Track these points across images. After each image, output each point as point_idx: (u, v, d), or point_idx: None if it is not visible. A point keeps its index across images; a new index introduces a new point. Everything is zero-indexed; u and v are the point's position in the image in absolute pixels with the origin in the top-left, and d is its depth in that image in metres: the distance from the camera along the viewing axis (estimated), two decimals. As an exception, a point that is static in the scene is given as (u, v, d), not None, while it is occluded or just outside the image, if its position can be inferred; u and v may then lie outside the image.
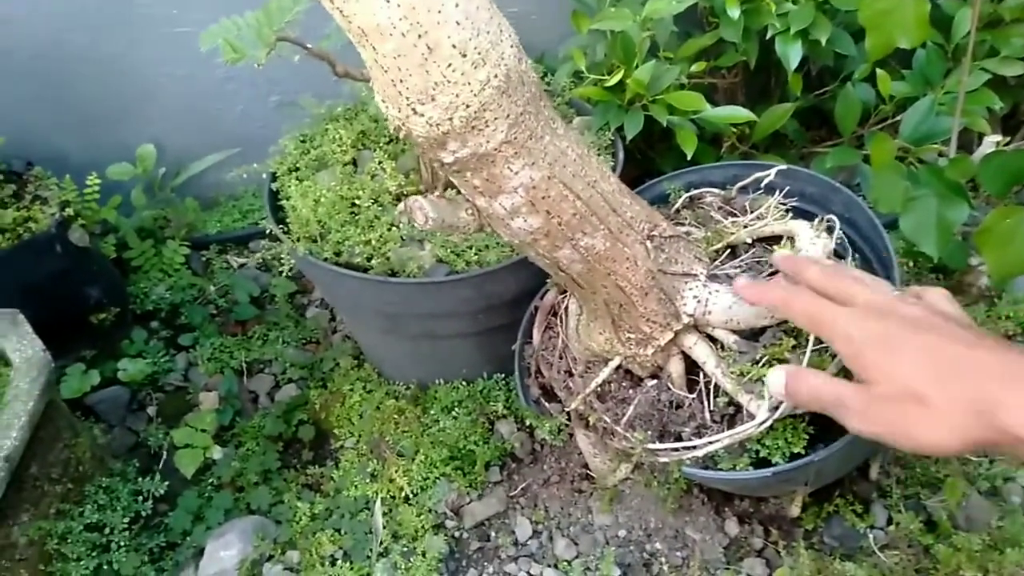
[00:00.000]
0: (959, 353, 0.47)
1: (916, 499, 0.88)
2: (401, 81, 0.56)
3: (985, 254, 0.78)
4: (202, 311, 1.29)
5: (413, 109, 0.57)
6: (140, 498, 1.00)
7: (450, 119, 0.57)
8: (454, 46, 0.54)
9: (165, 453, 1.10)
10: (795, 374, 0.58)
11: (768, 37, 1.00)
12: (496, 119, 0.58)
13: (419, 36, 0.53)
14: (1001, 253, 0.77)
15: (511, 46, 0.58)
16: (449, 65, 0.55)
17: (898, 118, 1.10)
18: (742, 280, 0.67)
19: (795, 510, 0.88)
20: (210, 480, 1.05)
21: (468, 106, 0.57)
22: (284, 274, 0.91)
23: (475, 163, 0.61)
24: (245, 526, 0.97)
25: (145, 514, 0.99)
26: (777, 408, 0.68)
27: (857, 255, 0.81)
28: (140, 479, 1.02)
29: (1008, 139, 1.02)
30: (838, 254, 0.78)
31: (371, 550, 0.93)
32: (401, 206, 1.00)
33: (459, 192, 0.71)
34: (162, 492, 1.01)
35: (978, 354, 0.47)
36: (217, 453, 1.05)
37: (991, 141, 0.89)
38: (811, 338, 0.68)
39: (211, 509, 1.01)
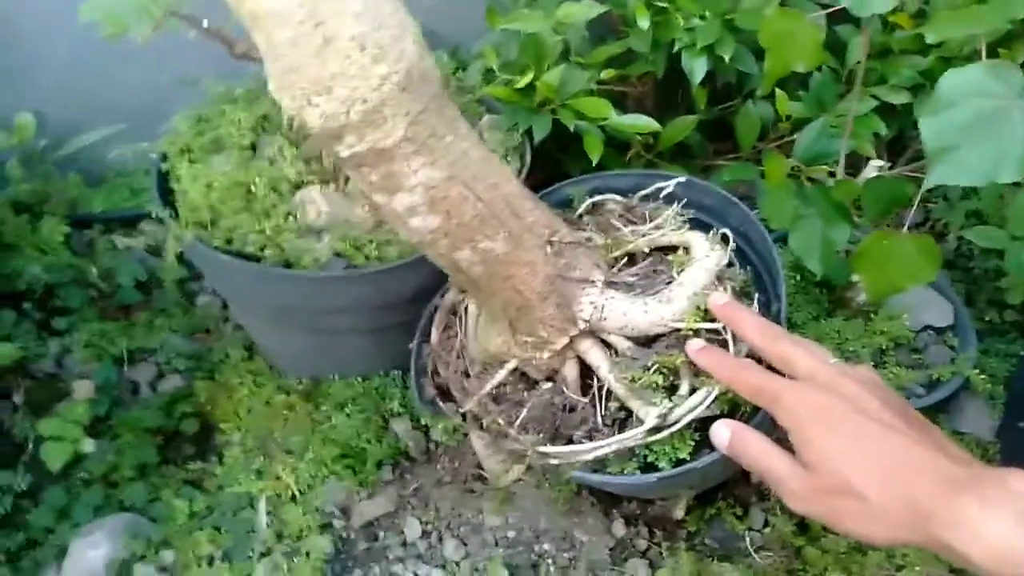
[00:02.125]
0: (897, 449, 0.49)
1: (791, 502, 0.92)
2: (296, 70, 0.54)
3: (861, 274, 0.83)
4: (81, 294, 1.21)
5: (308, 100, 0.55)
6: None
7: (347, 112, 0.55)
8: (352, 38, 0.53)
9: (31, 445, 1.02)
10: (741, 434, 0.59)
11: (676, 50, 1.02)
12: (395, 115, 0.57)
13: (316, 25, 0.51)
14: (876, 274, 0.81)
15: (413, 42, 0.57)
16: (347, 57, 0.53)
17: (795, 136, 1.15)
18: (697, 343, 0.69)
19: (680, 512, 0.90)
20: (80, 475, 0.99)
21: (366, 101, 0.55)
22: (169, 260, 0.86)
23: (373, 159, 0.59)
24: (116, 524, 0.91)
25: (3, 512, 0.92)
26: (668, 415, 0.69)
27: (749, 267, 0.84)
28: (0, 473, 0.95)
29: (891, 164, 1.08)
30: (730, 265, 0.80)
31: (252, 550, 0.90)
32: (299, 195, 0.97)
33: (360, 185, 0.69)
34: (25, 487, 0.94)
35: (915, 451, 0.49)
36: (89, 446, 0.98)
37: (875, 165, 0.95)
38: None
39: (79, 506, 0.94)
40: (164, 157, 0.97)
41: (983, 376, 0.97)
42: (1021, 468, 0.46)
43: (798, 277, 1.06)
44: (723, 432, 0.60)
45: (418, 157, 0.60)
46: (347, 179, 0.94)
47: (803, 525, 0.90)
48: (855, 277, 1.02)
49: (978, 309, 1.15)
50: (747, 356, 0.70)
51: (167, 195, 0.94)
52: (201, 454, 1.05)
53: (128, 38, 0.82)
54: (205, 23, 0.73)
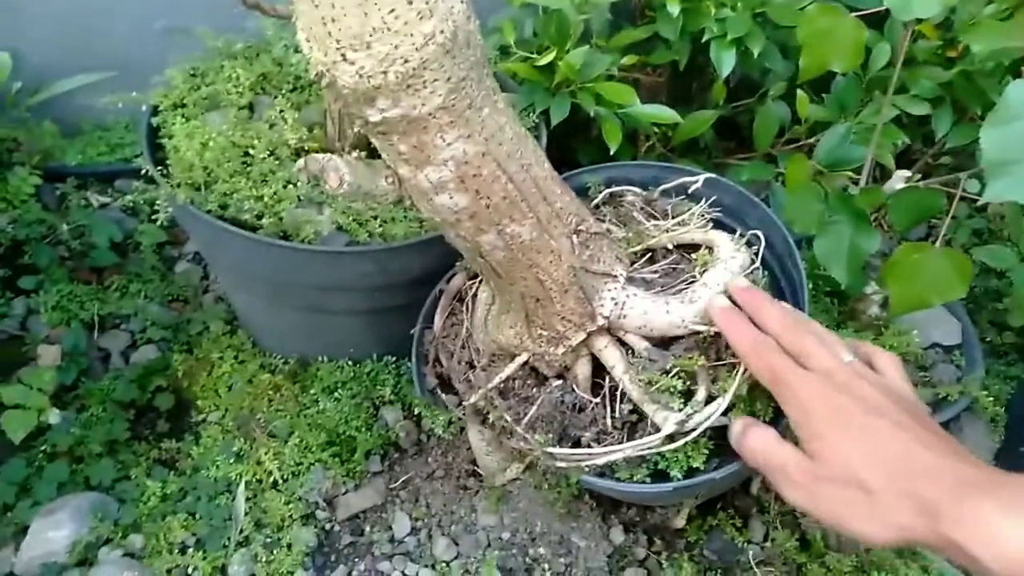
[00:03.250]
0: (909, 448, 0.48)
1: (792, 516, 0.90)
2: (333, 20, 0.48)
3: (890, 285, 0.80)
4: (50, 252, 1.13)
5: (343, 55, 0.50)
6: (-48, 463, 0.86)
7: (384, 73, 0.50)
8: (400, -11, 0.47)
9: (-11, 412, 0.95)
10: (749, 427, 0.57)
11: (704, 40, 0.98)
12: (436, 80, 0.52)
13: (361, -30, 0.46)
14: (905, 287, 0.78)
15: (461, 1, 0.52)
16: (392, 11, 0.48)
17: (809, 140, 1.12)
18: (723, 300, 0.65)
19: (680, 522, 0.87)
20: (43, 447, 0.91)
21: (407, 61, 0.50)
22: (159, 222, 0.79)
23: (405, 126, 0.54)
24: (81, 503, 0.85)
25: (-43, 482, 0.85)
26: (686, 423, 0.66)
27: (766, 272, 0.80)
28: (-46, 440, 0.88)
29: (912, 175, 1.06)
30: (755, 269, 0.76)
31: (229, 538, 0.84)
32: (301, 162, 0.90)
33: (371, 155, 0.63)
34: (-19, 458, 0.87)
35: (928, 452, 0.47)
36: (54, 417, 0.91)
37: (901, 176, 0.92)
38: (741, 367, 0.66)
39: (41, 482, 0.88)
40: (155, 110, 0.90)
41: (989, 397, 0.96)
42: None
43: (809, 285, 1.03)
44: (735, 426, 0.59)
45: (453, 129, 0.55)
46: (353, 148, 0.88)
47: (805, 541, 0.87)
48: (867, 289, 1.00)
49: (979, 329, 1.14)
50: None
51: (156, 151, 0.87)
52: (175, 432, 0.98)
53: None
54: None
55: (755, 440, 0.56)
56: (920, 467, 0.46)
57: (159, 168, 0.83)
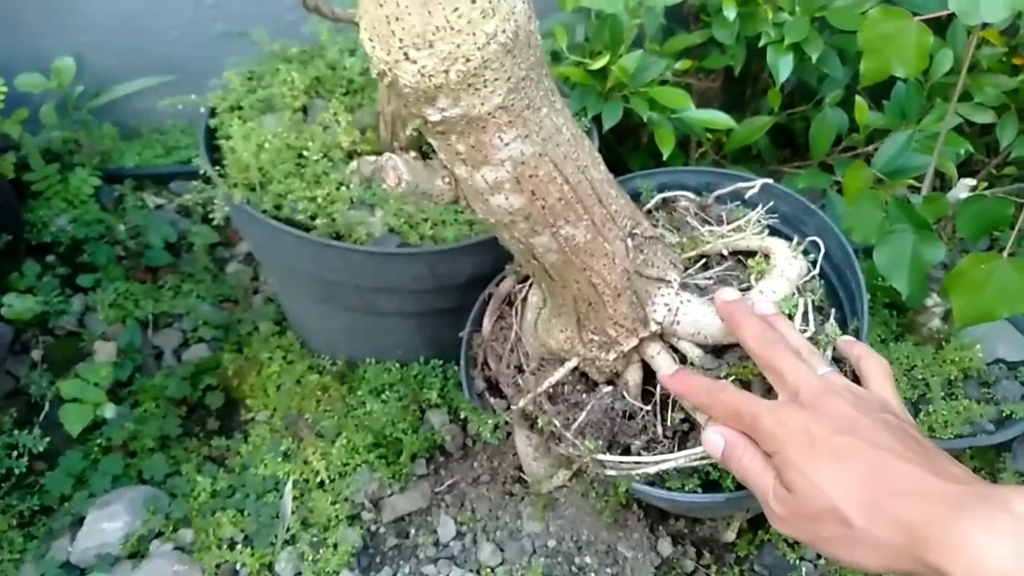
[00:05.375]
0: (886, 466, 0.45)
1: (847, 534, 0.87)
2: (397, 19, 0.48)
3: (953, 297, 0.77)
4: (108, 251, 1.16)
5: (405, 54, 0.50)
6: (14, 453, 0.88)
7: (446, 71, 0.50)
8: (464, -13, 0.47)
9: (48, 405, 0.97)
10: (734, 444, 0.54)
11: (760, 45, 0.97)
12: (496, 79, 0.51)
13: (427, -31, 0.46)
14: (970, 298, 0.76)
15: (523, 1, 0.51)
16: (455, 10, 0.48)
17: (867, 148, 1.09)
18: (668, 369, 0.66)
19: (731, 535, 0.85)
20: (98, 441, 0.94)
21: (469, 60, 0.49)
22: (215, 221, 0.80)
23: (464, 126, 0.54)
24: (135, 496, 0.86)
25: (19, 472, 0.87)
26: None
27: (823, 281, 0.78)
28: (16, 432, 0.90)
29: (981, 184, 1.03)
30: (812, 277, 0.75)
31: (276, 536, 0.84)
32: (354, 164, 0.92)
33: (425, 157, 0.64)
34: (41, 449, 0.89)
35: (906, 468, 0.45)
36: (110, 411, 0.93)
37: (966, 184, 0.89)
38: None
39: (96, 474, 0.90)
40: (212, 112, 0.92)
41: (1058, 416, 0.92)
42: None
43: (867, 296, 1.00)
44: (716, 441, 0.56)
45: (511, 129, 0.55)
46: (405, 150, 0.89)
47: (861, 559, 0.84)
48: (928, 302, 0.97)
49: (1045, 345, 1.09)
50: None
51: (213, 152, 0.89)
52: (225, 430, 1.00)
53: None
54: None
55: (739, 460, 0.54)
56: (899, 488, 0.44)
57: (216, 168, 0.85)
